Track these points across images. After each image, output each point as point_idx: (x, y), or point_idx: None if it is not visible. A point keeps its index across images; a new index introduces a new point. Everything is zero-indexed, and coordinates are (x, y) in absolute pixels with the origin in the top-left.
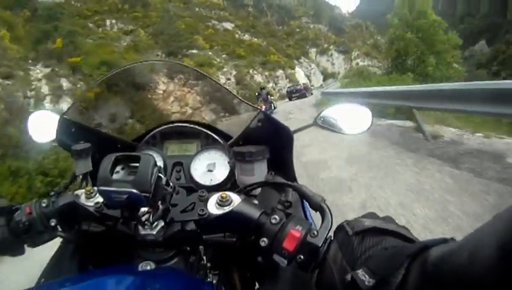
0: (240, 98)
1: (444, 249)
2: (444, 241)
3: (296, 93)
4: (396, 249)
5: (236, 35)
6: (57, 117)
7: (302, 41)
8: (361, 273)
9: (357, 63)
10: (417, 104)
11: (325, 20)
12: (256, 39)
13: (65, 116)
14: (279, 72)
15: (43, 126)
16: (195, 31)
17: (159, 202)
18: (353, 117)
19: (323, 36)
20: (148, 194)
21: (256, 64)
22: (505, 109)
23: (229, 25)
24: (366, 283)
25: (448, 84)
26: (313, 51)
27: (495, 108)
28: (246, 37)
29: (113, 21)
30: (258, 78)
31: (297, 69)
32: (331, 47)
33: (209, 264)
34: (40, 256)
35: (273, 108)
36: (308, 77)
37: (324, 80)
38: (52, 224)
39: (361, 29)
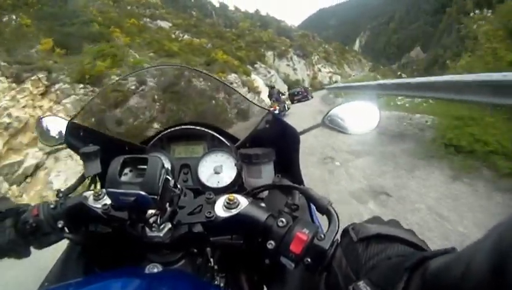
0: (248, 99)
1: (443, 261)
2: (445, 252)
3: (298, 95)
4: (398, 260)
5: (173, 35)
6: (65, 122)
7: (255, 43)
8: (362, 285)
9: (319, 69)
10: (391, 92)
11: (273, 29)
12: (198, 40)
13: (74, 121)
14: (233, 76)
15: (51, 130)
16: (115, 24)
17: (167, 204)
18: (361, 115)
19: (277, 39)
20: (156, 196)
21: (197, 65)
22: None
23: (165, 24)
24: None
25: (412, 79)
26: (269, 54)
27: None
28: (186, 37)
29: None
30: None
31: (253, 76)
32: (290, 49)
33: (216, 267)
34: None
35: (286, 109)
36: (268, 86)
37: (289, 89)
38: (60, 226)
39: (309, 38)
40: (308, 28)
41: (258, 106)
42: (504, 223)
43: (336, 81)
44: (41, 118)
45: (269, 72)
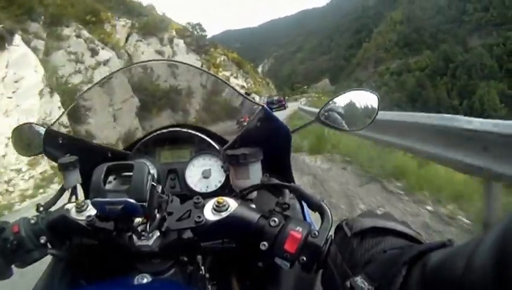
0: (242, 94)
1: (443, 255)
2: (443, 245)
3: (275, 104)
4: (395, 254)
5: None
6: (42, 129)
7: None
8: (360, 281)
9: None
10: None
11: None
12: None
13: (52, 128)
14: None
15: (28, 139)
16: None
17: (155, 211)
18: (358, 105)
19: None
20: (144, 203)
21: None
22: None
23: None
24: None
25: None
26: None
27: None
28: None
29: None
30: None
31: None
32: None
33: (207, 275)
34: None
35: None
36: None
37: None
38: (42, 241)
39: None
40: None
41: (250, 100)
42: (508, 219)
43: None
44: (17, 127)
45: None
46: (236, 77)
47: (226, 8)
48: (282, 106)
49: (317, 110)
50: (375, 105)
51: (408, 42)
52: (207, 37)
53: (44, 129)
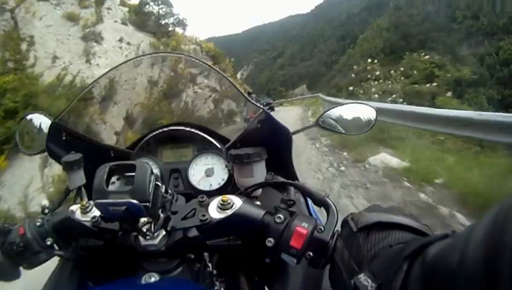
0: (245, 95)
1: (440, 248)
2: (444, 236)
3: (266, 106)
4: (399, 248)
5: None
6: (48, 122)
7: None
8: (363, 278)
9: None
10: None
11: None
12: None
13: (57, 121)
14: None
15: (33, 133)
16: None
17: (159, 211)
18: (356, 116)
19: None
20: (147, 203)
21: None
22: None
23: None
24: (369, 288)
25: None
26: None
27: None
28: None
29: None
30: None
31: None
32: None
33: (215, 272)
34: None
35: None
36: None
37: None
38: (48, 243)
39: None
40: None
41: (252, 102)
42: (497, 209)
43: None
44: (25, 117)
45: None
46: (207, 76)
47: (213, 15)
48: (270, 109)
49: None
50: (373, 118)
51: (394, 49)
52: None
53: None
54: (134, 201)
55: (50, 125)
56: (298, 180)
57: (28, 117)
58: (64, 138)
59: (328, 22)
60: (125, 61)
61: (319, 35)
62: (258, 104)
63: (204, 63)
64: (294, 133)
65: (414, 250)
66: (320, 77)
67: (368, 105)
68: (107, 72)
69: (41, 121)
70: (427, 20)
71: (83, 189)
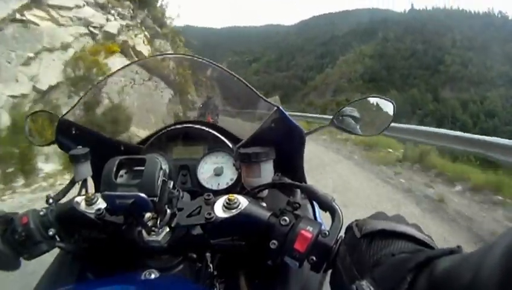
0: (257, 92)
1: (451, 263)
2: (451, 252)
3: None
4: (402, 258)
5: None
6: (56, 118)
7: None
8: (365, 285)
9: None
10: None
11: None
12: None
13: (65, 118)
14: None
15: (40, 128)
16: None
17: (166, 207)
18: (374, 111)
19: None
20: (155, 198)
21: None
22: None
23: None
24: None
25: None
26: None
27: None
28: None
29: None
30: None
31: None
32: None
33: (215, 272)
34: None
35: None
36: None
37: None
38: (51, 233)
39: None
40: None
41: (265, 100)
42: None
43: None
44: (31, 114)
45: None
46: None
47: (194, 2)
48: None
49: None
50: (391, 112)
51: (375, 78)
52: None
53: (58, 118)
54: (142, 195)
55: (58, 121)
56: (306, 182)
57: (34, 114)
58: (73, 132)
59: (309, 39)
60: (127, 65)
61: (299, 49)
62: (273, 102)
63: (213, 64)
64: (308, 133)
65: (421, 262)
66: (294, 90)
67: (384, 99)
68: (108, 75)
69: (48, 116)
70: (413, 57)
71: (88, 181)
